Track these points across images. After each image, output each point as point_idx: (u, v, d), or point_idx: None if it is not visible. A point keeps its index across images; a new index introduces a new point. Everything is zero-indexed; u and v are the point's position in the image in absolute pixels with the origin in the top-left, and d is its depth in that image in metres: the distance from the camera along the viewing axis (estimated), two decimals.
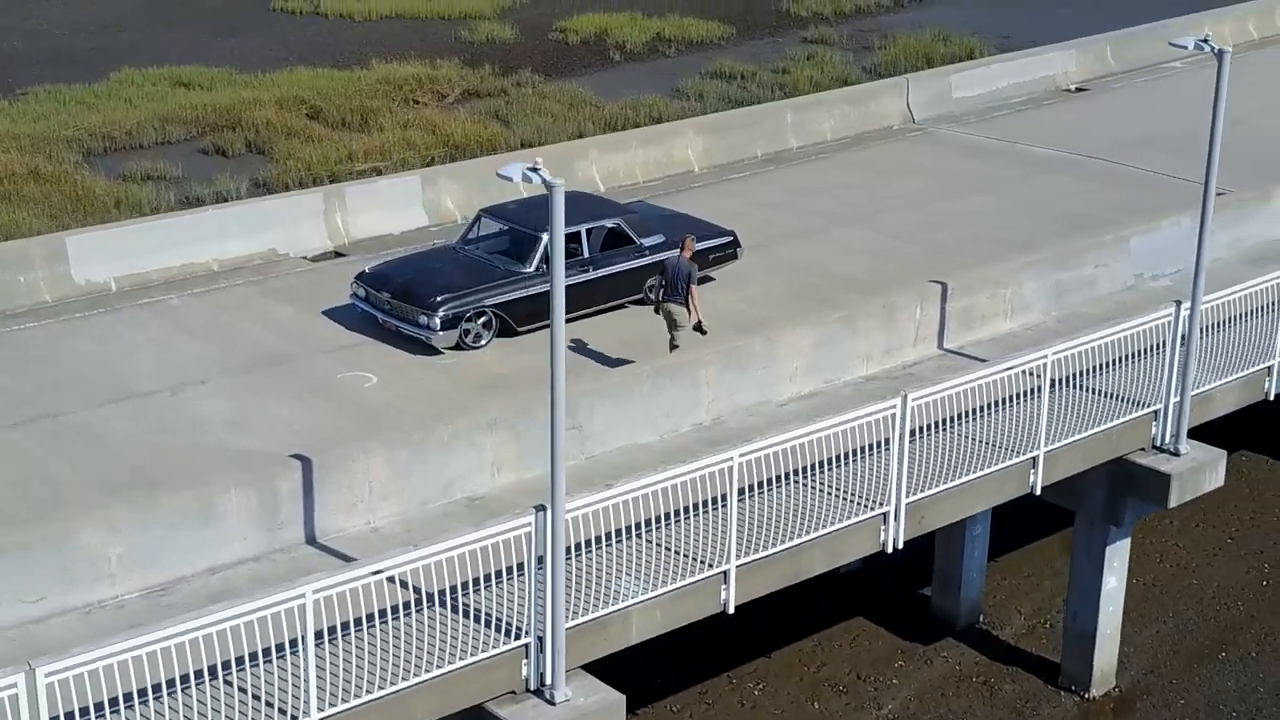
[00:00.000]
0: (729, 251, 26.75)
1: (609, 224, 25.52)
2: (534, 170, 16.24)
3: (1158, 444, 23.23)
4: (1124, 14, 63.02)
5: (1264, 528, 29.34)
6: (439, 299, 23.87)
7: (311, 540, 19.42)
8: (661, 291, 23.80)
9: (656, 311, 24.17)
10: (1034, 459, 21.76)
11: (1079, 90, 39.23)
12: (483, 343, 24.30)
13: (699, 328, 23.85)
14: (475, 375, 23.63)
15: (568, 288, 23.96)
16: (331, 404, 22.45)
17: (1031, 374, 21.64)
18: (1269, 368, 24.81)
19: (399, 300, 24.22)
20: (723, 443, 21.46)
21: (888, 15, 67.11)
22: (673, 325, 23.79)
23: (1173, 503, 22.91)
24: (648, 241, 25.76)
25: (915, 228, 29.47)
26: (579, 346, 24.24)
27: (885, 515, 20.30)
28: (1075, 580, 24.60)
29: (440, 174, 29.88)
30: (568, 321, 24.52)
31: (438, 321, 23.76)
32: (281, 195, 28.36)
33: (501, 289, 24.35)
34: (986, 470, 21.21)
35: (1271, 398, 25.27)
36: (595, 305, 25.36)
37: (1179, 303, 22.82)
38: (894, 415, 20.05)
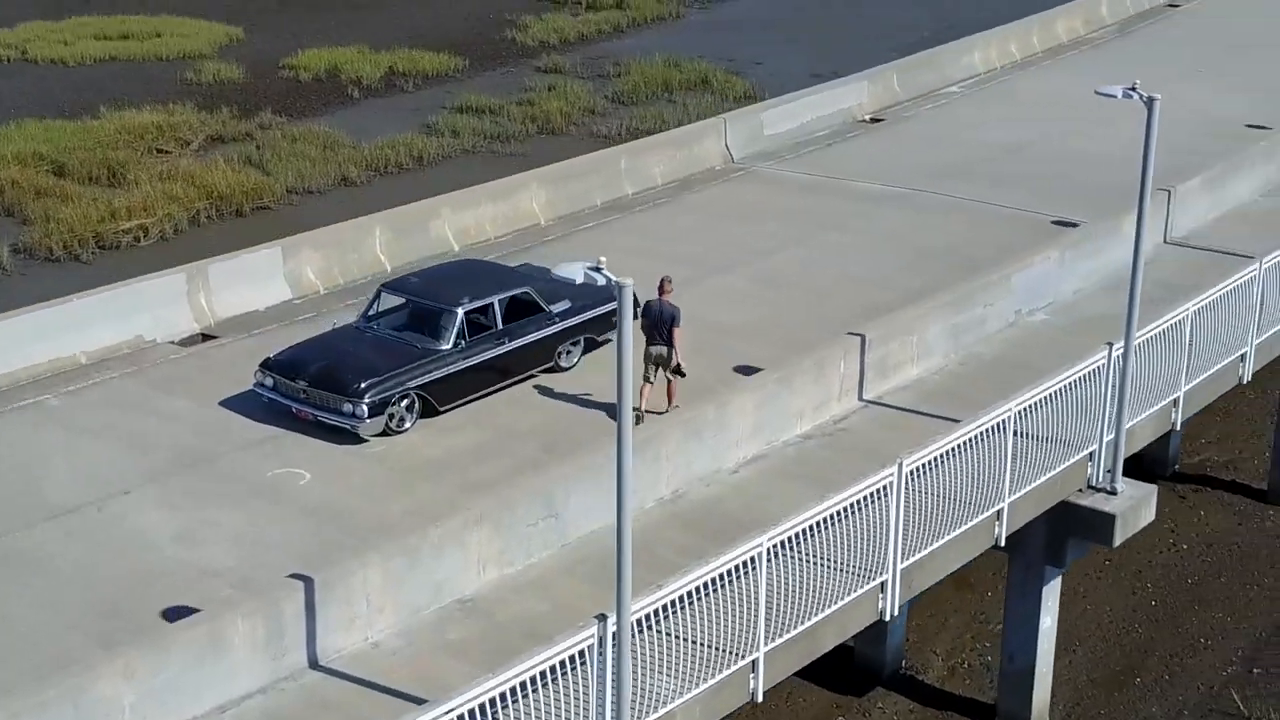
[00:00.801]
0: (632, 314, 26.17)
1: (518, 293, 24.75)
2: (596, 269, 15.50)
3: (1094, 484, 23.58)
4: (833, 39, 65.00)
5: (1133, 547, 30.13)
6: (364, 385, 22.79)
7: (315, 664, 18.27)
8: (646, 335, 23.39)
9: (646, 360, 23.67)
10: (999, 511, 21.85)
11: (874, 120, 39.77)
12: (407, 426, 23.33)
13: (678, 370, 23.50)
14: (410, 461, 22.67)
15: (482, 362, 23.33)
16: (277, 507, 21.26)
17: (995, 427, 21.69)
18: (1175, 399, 25.40)
19: (318, 388, 23.03)
20: (689, 517, 21.29)
21: (610, 42, 67.33)
22: (658, 367, 23.46)
23: (1117, 541, 23.33)
24: (556, 308, 25.08)
25: (786, 271, 29.46)
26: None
27: (883, 584, 20.10)
28: (1011, 621, 24.85)
29: (302, 244, 28.59)
30: (480, 397, 23.86)
31: (365, 409, 22.68)
32: (144, 278, 26.71)
33: (424, 369, 23.41)
34: (962, 527, 21.19)
35: (1178, 428, 25.95)
36: (509, 378, 24.60)
37: (1111, 344, 23.20)
38: (891, 483, 19.83)
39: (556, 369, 25.22)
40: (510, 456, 22.85)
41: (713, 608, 17.86)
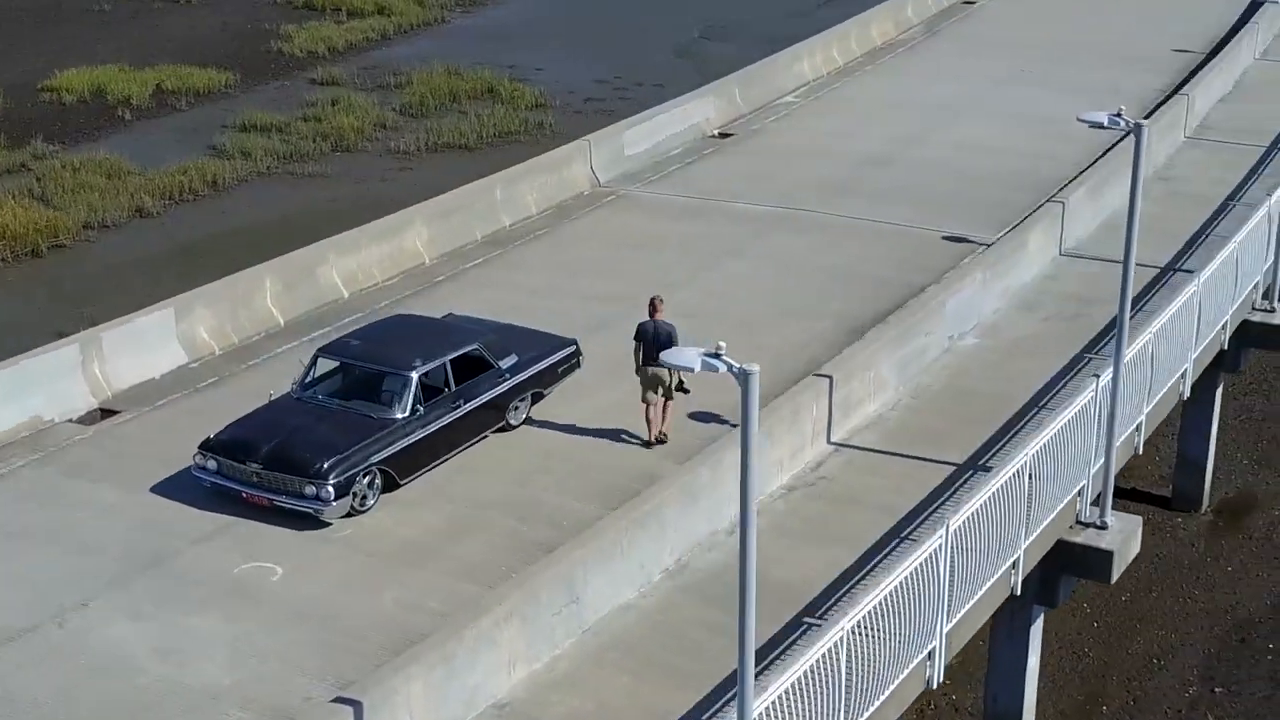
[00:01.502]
0: (574, 362, 24.72)
1: (468, 350, 23.04)
2: (715, 356, 14.06)
3: (1082, 519, 22.93)
4: (606, 44, 63.98)
5: None
6: (326, 464, 20.85)
7: None
8: (641, 357, 22.73)
9: (637, 373, 23.08)
10: (1015, 560, 21.03)
11: (723, 136, 38.76)
12: (370, 504, 21.49)
13: (681, 386, 23.01)
14: (384, 545, 20.89)
15: (439, 429, 21.68)
16: (258, 608, 19.31)
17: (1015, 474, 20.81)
18: (1138, 425, 24.91)
19: (274, 470, 21.00)
20: (704, 589, 19.98)
21: (379, 50, 65.19)
22: (656, 389, 22.78)
23: (1114, 577, 22.72)
24: (505, 363, 23.44)
25: (706, 304, 28.25)
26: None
27: (931, 652, 19.07)
28: (997, 663, 24.10)
29: (194, 302, 26.30)
30: (435, 467, 22.14)
31: (330, 490, 20.77)
32: (33, 353, 24.18)
33: (385, 442, 21.55)
34: (990, 581, 20.29)
35: (1140, 452, 25.50)
36: (464, 443, 22.88)
37: (1098, 376, 22.56)
38: (939, 548, 18.78)
39: (506, 428, 23.55)
40: (488, 531, 21.26)
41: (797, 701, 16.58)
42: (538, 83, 58.31)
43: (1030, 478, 20.89)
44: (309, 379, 22.66)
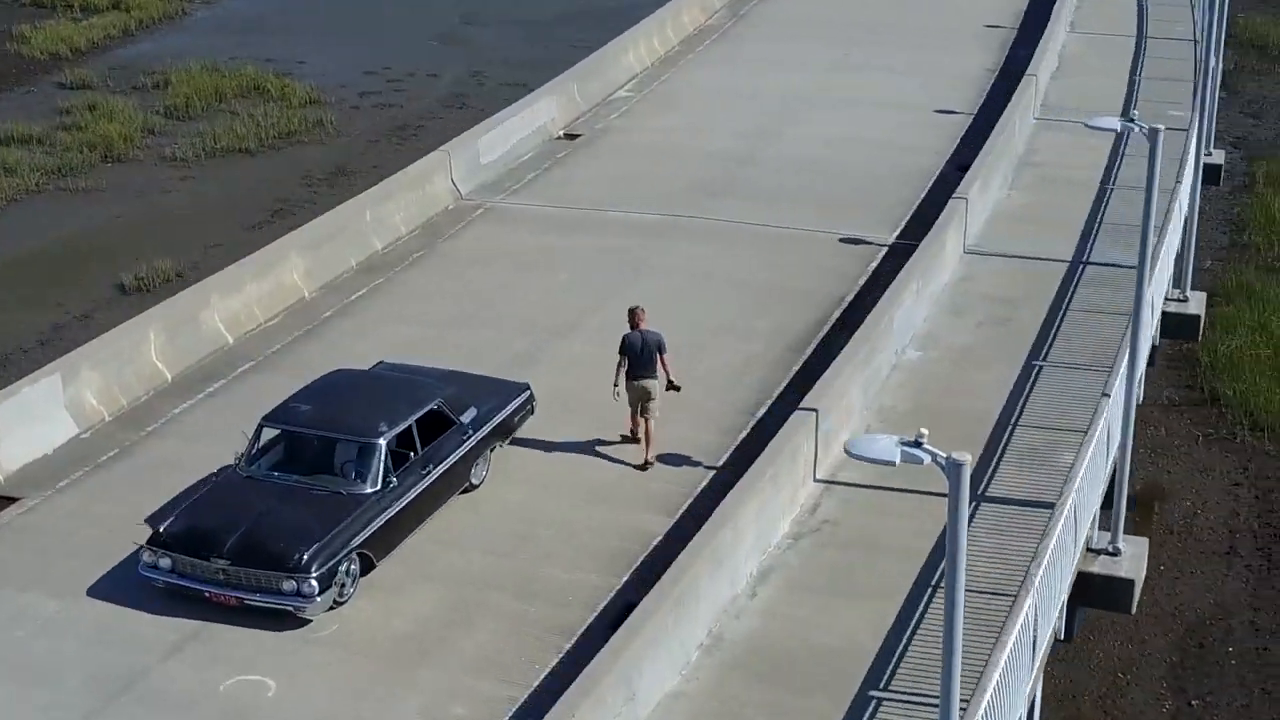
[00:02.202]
0: (529, 408, 22.55)
1: (431, 408, 20.68)
2: (916, 445, 12.21)
3: (1093, 546, 21.72)
4: (364, 32, 61.13)
5: None
6: (306, 555, 18.36)
7: None
8: (626, 371, 21.71)
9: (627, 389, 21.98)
10: (1062, 604, 19.68)
11: (570, 137, 36.66)
12: (350, 593, 19.06)
13: (673, 386, 22.01)
14: (380, 643, 18.56)
15: (410, 502, 19.46)
16: None
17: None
18: None
19: (245, 565, 18.41)
20: (749, 665, 18.09)
21: (125, 48, 61.31)
22: (645, 403, 21.80)
23: (1135, 607, 21.57)
24: (465, 418, 21.14)
25: (624, 325, 26.05)
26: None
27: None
28: None
29: (80, 363, 23.28)
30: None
31: (314, 584, 18.30)
32: None
33: (362, 521, 19.12)
34: (1050, 627, 18.90)
35: None
36: (432, 512, 20.54)
37: (1106, 395, 21.32)
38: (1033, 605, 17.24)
39: (469, 488, 21.29)
40: (489, 615, 19.07)
41: None
42: (304, 77, 55.27)
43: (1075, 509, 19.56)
44: (254, 452, 19.98)
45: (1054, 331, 26.42)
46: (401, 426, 19.94)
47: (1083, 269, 29.11)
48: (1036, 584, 17.17)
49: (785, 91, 39.89)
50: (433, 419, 20.56)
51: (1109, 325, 26.61)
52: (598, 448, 22.63)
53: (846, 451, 12.53)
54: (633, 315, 21.89)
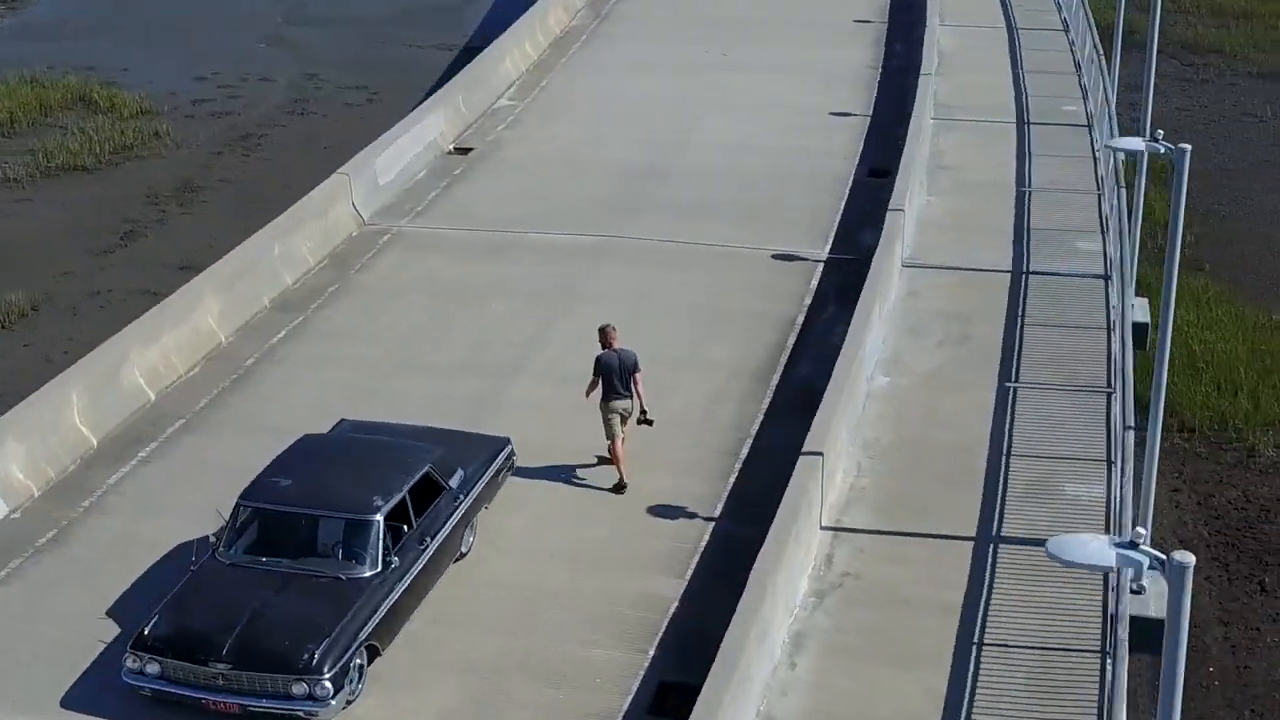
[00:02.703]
0: (510, 464, 20.93)
1: (423, 474, 18.94)
2: (1134, 547, 11.00)
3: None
4: (185, 37, 58.33)
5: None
6: (318, 654, 16.57)
7: None
8: (601, 393, 20.79)
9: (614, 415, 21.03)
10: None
11: (461, 151, 34.86)
12: (359, 689, 17.28)
13: (645, 419, 21.05)
14: None
15: (411, 581, 17.82)
16: None
17: None
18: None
19: (248, 668, 16.54)
20: None
21: None
22: (620, 425, 20.88)
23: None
24: (454, 482, 19.44)
25: (574, 362, 24.49)
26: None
27: None
28: None
29: (4, 434, 20.99)
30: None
31: (329, 686, 16.52)
32: None
33: (369, 609, 17.36)
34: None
35: None
36: (429, 589, 18.80)
37: (1130, 428, 20.37)
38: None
39: (459, 558, 19.59)
40: (520, 708, 17.43)
41: None
42: (131, 86, 52.42)
43: None
44: (235, 533, 18.04)
45: (1017, 350, 25.46)
46: (396, 498, 18.18)
47: (1025, 279, 28.20)
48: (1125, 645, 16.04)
49: (672, 96, 38.58)
50: (424, 486, 18.84)
51: (1071, 340, 25.79)
52: (580, 501, 21.08)
53: (1050, 555, 11.11)
54: (605, 334, 20.93)
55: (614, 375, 20.76)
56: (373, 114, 44.41)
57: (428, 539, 18.46)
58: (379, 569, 17.64)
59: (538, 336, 25.75)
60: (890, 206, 29.18)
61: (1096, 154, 34.13)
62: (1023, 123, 36.63)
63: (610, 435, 21.01)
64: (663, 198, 31.99)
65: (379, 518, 17.80)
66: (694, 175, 33.27)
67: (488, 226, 30.47)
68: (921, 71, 37.56)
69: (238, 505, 18.13)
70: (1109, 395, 23.88)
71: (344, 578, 17.46)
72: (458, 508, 19.18)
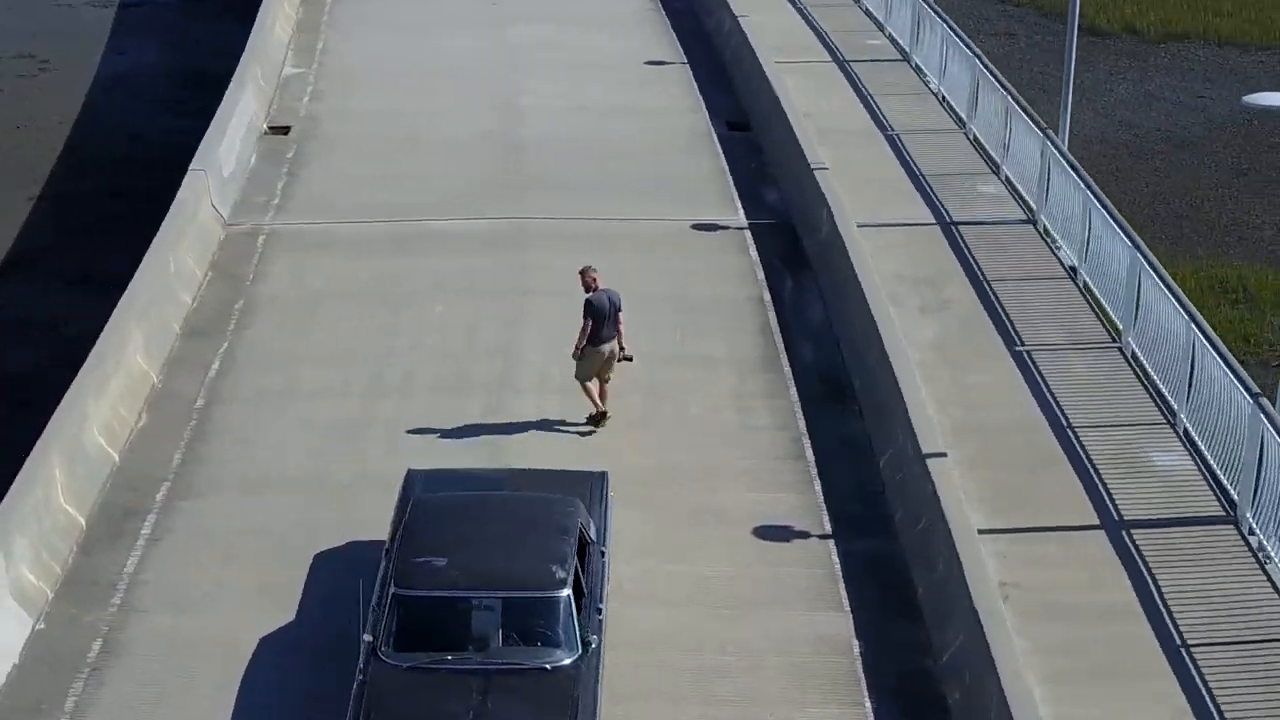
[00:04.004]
0: (609, 494, 18.63)
1: (581, 532, 16.56)
2: None
3: None
4: None
5: None
6: None
7: None
8: (587, 336, 20.41)
9: (581, 357, 20.63)
10: None
11: (279, 131, 31.50)
12: None
13: (626, 356, 20.93)
14: None
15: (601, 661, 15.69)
16: None
17: None
18: None
19: None
20: None
21: None
22: (609, 367, 20.69)
23: None
24: (593, 533, 17.10)
25: (548, 368, 22.47)
26: None
27: None
28: None
29: (10, 532, 17.43)
30: None
31: None
32: None
33: (590, 701, 15.16)
34: None
35: None
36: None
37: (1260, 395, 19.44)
38: None
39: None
40: None
41: None
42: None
43: None
44: (396, 629, 15.27)
45: (1002, 311, 24.30)
46: (571, 565, 15.79)
47: (958, 232, 27.09)
48: None
49: (468, 55, 36.05)
50: (580, 544, 16.40)
51: (1045, 292, 24.80)
52: (670, 532, 18.96)
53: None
54: (588, 276, 20.49)
55: (604, 318, 20.34)
56: (54, 85, 40.01)
57: (600, 605, 16.06)
58: (579, 651, 15.25)
59: (500, 342, 23.38)
60: (812, 165, 27.63)
61: (935, 89, 33.15)
62: (839, 61, 35.42)
63: (583, 376, 20.70)
64: (537, 172, 29.63)
65: (567, 592, 15.37)
66: (552, 144, 30.97)
67: (366, 217, 27.58)
68: (739, 14, 35.97)
69: (395, 598, 15.38)
70: (1120, 349, 22.99)
71: (549, 668, 14.97)
72: (604, 563, 16.80)
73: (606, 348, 20.48)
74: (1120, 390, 22.03)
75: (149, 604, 17.64)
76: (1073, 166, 25.92)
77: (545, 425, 21.26)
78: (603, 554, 16.79)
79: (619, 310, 20.49)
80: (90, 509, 19.13)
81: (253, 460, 20.28)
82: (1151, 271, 22.30)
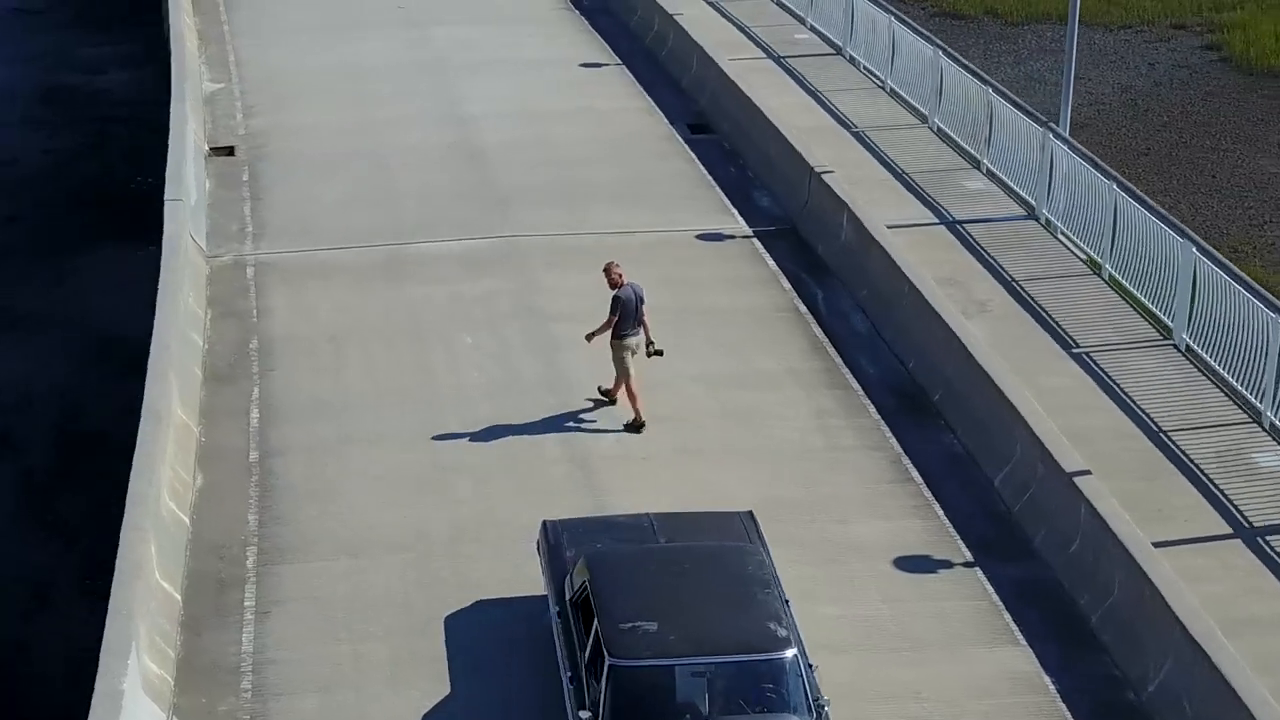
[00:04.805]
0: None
1: (776, 579, 15.53)
2: None
3: None
4: None
5: None
6: None
7: None
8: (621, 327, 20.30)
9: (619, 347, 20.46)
10: None
11: (223, 152, 29.68)
12: None
13: (656, 350, 20.61)
14: None
15: None
16: None
17: None
18: None
19: None
20: None
21: None
22: (630, 360, 20.41)
23: None
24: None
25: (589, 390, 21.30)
26: None
27: None
28: None
29: (135, 624, 15.78)
30: None
31: None
32: None
33: None
34: None
35: None
36: None
37: None
38: None
39: None
40: None
41: None
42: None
43: None
44: (616, 706, 14.09)
45: (1041, 311, 23.84)
46: (788, 620, 14.75)
47: (964, 231, 26.57)
48: None
49: (393, 61, 34.62)
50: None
51: (1074, 289, 24.45)
52: (817, 572, 17.98)
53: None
54: (612, 272, 20.35)
55: (632, 312, 20.19)
56: None
57: (810, 661, 15.04)
58: (814, 715, 14.21)
59: (548, 371, 22.20)
60: (817, 169, 26.81)
61: (883, 83, 32.59)
62: (775, 58, 34.70)
63: (624, 373, 20.39)
64: (509, 183, 28.32)
65: (794, 652, 14.38)
66: (514, 152, 29.67)
67: (352, 242, 26.05)
68: (675, 13, 34.96)
69: (613, 670, 14.17)
70: (1174, 346, 22.63)
71: None
72: (791, 612, 15.75)
73: (635, 341, 20.32)
74: (1191, 388, 21.61)
75: (285, 685, 16.16)
76: (1092, 161, 25.49)
77: (627, 456, 20.23)
78: (787, 603, 15.70)
79: (643, 303, 20.33)
80: (182, 582, 17.52)
81: (337, 518, 18.81)
82: (1211, 263, 21.93)
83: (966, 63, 30.25)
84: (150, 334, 20.85)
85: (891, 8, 32.94)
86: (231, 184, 28.21)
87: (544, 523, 17.07)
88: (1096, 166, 25.35)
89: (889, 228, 25.48)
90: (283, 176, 28.51)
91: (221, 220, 26.55)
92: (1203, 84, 44.06)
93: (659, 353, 20.57)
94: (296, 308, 23.83)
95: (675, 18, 34.64)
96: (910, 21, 32.60)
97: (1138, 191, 24.62)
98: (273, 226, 26.51)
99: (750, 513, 17.32)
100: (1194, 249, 22.47)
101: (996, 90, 28.24)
